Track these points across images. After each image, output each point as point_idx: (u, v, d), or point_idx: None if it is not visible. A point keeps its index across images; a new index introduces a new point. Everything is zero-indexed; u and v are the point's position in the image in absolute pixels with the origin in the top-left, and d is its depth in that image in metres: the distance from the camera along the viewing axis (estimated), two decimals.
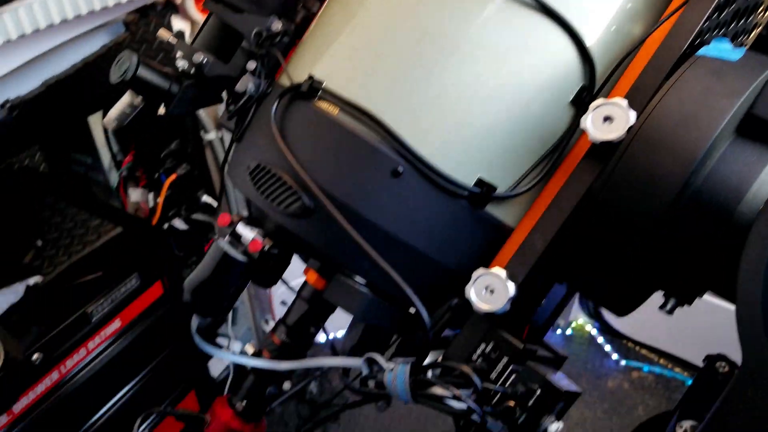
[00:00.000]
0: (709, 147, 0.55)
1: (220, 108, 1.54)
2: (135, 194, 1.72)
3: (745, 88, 0.55)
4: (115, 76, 0.70)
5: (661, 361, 2.29)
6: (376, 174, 0.64)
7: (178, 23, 1.46)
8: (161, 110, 0.72)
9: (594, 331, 2.41)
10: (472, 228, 0.66)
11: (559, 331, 2.41)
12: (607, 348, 2.35)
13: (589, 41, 0.66)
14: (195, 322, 0.79)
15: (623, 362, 2.29)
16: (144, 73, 0.69)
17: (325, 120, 0.66)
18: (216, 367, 1.95)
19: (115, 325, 1.35)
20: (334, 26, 0.74)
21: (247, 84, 0.74)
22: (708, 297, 0.68)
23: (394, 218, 0.65)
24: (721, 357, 0.89)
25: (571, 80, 0.66)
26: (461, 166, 0.65)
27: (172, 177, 1.66)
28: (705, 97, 0.56)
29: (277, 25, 0.79)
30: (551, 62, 0.66)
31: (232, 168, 0.76)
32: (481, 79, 0.65)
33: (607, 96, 0.65)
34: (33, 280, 1.20)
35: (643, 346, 2.34)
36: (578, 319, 2.43)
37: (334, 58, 0.70)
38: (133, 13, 1.32)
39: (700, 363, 0.87)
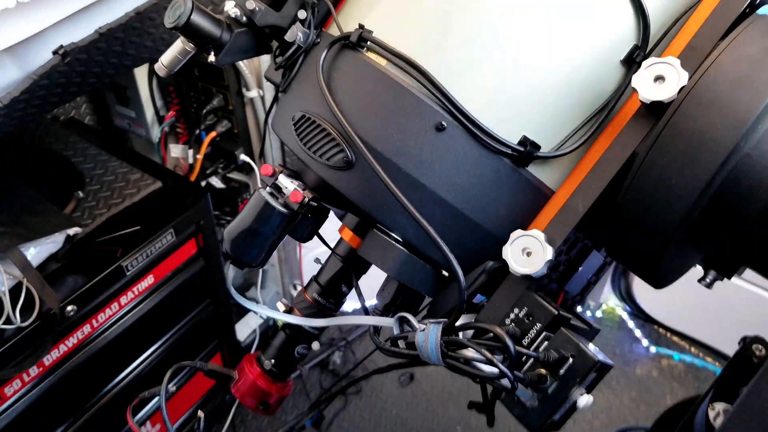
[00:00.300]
0: (761, 111, 0.52)
1: (264, 65, 1.55)
2: (175, 150, 1.74)
3: None
4: (169, 20, 0.70)
5: (693, 349, 2.25)
6: (420, 127, 0.63)
7: None
8: (211, 58, 0.72)
9: (625, 315, 2.37)
10: (513, 188, 0.65)
11: (588, 313, 2.38)
12: (638, 333, 2.31)
13: None
14: (231, 273, 0.80)
15: (653, 349, 2.26)
16: (197, 19, 0.69)
17: (371, 70, 0.66)
18: (242, 332, 1.98)
19: (149, 280, 1.38)
20: None
21: (296, 34, 0.73)
22: (745, 284, 0.66)
23: (436, 175, 0.64)
24: (758, 339, 0.86)
25: (624, 38, 0.64)
26: (506, 124, 0.64)
27: (212, 134, 1.67)
28: (762, 58, 0.53)
29: None
30: (605, 20, 0.64)
31: (276, 119, 0.77)
32: (532, 37, 0.63)
33: (664, 52, 0.63)
34: (72, 231, 1.22)
35: (674, 332, 2.30)
36: (609, 301, 2.40)
37: (386, 10, 0.69)
38: None
39: (733, 353, 0.85)
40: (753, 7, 0.60)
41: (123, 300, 1.34)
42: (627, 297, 2.35)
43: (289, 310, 0.84)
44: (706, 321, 2.17)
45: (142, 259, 1.33)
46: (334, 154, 0.67)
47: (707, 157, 0.53)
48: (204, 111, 1.66)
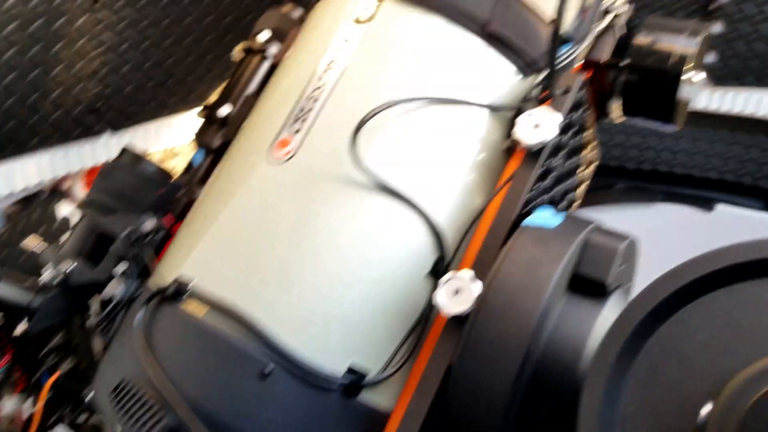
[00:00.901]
0: (540, 315, 0.60)
1: None
2: (9, 404, 1.58)
3: (563, 253, 0.62)
4: None
5: None
6: (244, 378, 0.64)
7: (66, 209, 1.45)
8: (21, 327, 0.70)
9: None
10: (347, 420, 0.66)
11: None
12: None
13: (437, 216, 0.73)
14: None
15: None
16: (1, 290, 0.68)
17: (191, 323, 0.67)
18: None
19: None
20: (200, 221, 0.77)
21: (115, 289, 0.74)
22: None
23: (266, 423, 0.64)
24: None
25: (425, 254, 0.72)
26: (331, 355, 0.66)
27: (55, 376, 1.55)
28: (531, 266, 0.62)
29: (150, 224, 0.81)
30: (405, 240, 0.71)
31: (95, 390, 0.74)
32: (343, 267, 0.69)
33: (461, 262, 0.71)
34: None
35: None
36: None
37: (201, 256, 0.72)
38: (15, 205, 1.30)
39: None
40: (524, 215, 0.71)
41: None
42: None
43: None
44: None
45: None
46: (154, 425, 0.64)
47: (507, 361, 0.59)
48: (43, 352, 1.55)
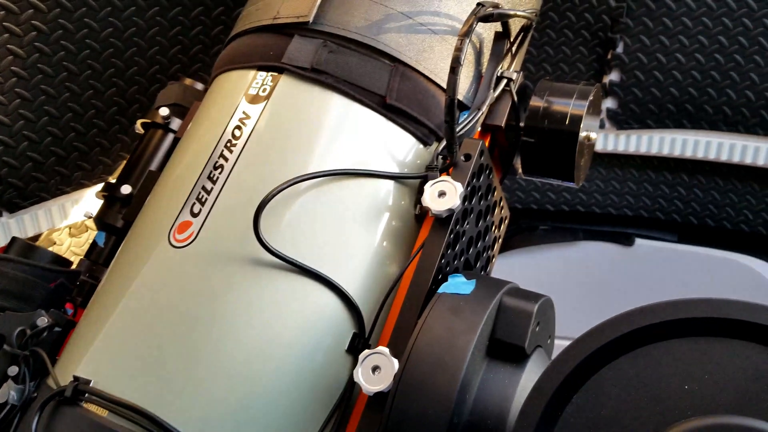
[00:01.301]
0: (460, 387, 0.58)
1: None
2: None
3: (478, 322, 0.62)
4: None
5: None
6: None
7: None
8: None
9: None
10: None
11: None
12: None
13: (351, 290, 0.71)
14: None
15: None
16: None
17: (93, 425, 0.62)
18: None
19: None
20: (99, 311, 0.72)
21: (8, 392, 0.68)
22: None
23: None
24: None
25: (342, 331, 0.69)
26: None
27: None
28: (447, 337, 0.61)
29: (43, 320, 0.75)
30: (320, 319, 0.68)
31: None
32: (255, 355, 0.65)
33: (380, 336, 0.69)
34: None
35: None
36: None
37: (100, 350, 0.67)
38: None
39: None
40: (439, 282, 0.70)
41: None
42: None
43: None
44: None
45: None
46: None
47: None
48: None
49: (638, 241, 1.88)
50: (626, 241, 1.89)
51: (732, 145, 1.63)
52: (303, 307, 0.69)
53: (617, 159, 1.72)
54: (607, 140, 1.62)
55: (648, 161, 1.73)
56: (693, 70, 1.56)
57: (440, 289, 0.67)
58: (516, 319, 0.65)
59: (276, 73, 0.76)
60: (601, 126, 1.59)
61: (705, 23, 1.50)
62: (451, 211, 0.69)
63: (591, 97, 0.78)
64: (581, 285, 1.92)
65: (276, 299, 0.68)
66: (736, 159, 1.64)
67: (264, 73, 0.76)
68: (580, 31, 1.58)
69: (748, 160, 1.63)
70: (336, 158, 0.72)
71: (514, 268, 1.88)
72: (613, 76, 1.57)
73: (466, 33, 0.67)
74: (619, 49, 1.56)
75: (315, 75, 0.73)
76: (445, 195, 0.69)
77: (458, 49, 0.67)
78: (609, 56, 1.57)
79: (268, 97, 0.74)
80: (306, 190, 0.70)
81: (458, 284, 0.67)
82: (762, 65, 1.49)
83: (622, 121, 1.60)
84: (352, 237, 0.72)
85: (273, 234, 0.68)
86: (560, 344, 0.59)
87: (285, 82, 0.75)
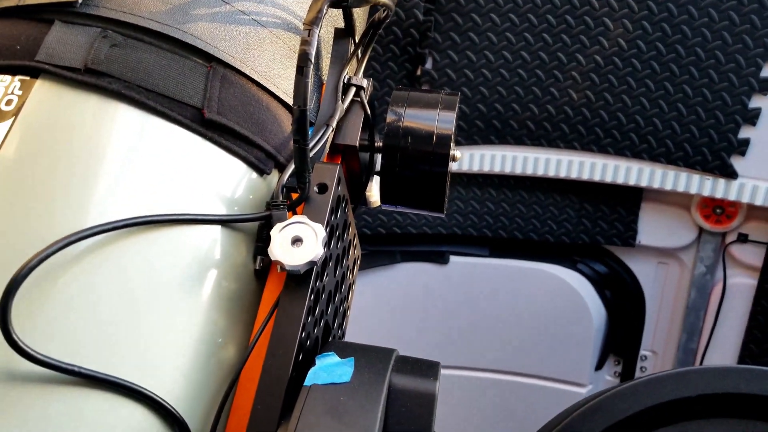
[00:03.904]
0: None
1: None
2: None
3: (372, 425, 0.44)
4: None
5: None
6: None
7: None
8: None
9: None
10: None
11: None
12: None
13: (168, 394, 0.48)
14: None
15: None
16: None
17: None
18: None
19: None
20: None
21: None
22: None
23: None
24: None
25: None
26: None
27: None
28: None
29: None
30: None
31: None
32: None
33: None
34: None
35: None
36: None
37: None
38: None
39: None
40: (299, 369, 0.50)
41: None
42: None
43: None
44: None
45: None
46: None
47: None
48: None
49: (453, 258, 1.90)
50: (441, 259, 1.93)
51: (536, 159, 1.67)
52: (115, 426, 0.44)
53: None
54: None
55: (458, 178, 1.72)
56: (499, 86, 1.56)
57: (308, 380, 0.47)
58: (415, 406, 0.48)
59: (27, 77, 0.50)
60: None
61: (509, 38, 1.50)
62: (312, 263, 0.49)
63: (456, 109, 0.65)
64: (402, 308, 1.90)
65: (51, 428, 0.43)
66: (540, 172, 1.69)
67: (8, 78, 0.50)
68: (389, 46, 1.49)
69: (551, 173, 1.69)
70: (130, 200, 0.48)
71: None
72: None
73: (315, 20, 0.49)
74: (428, 65, 1.50)
75: (91, 78, 0.49)
76: (301, 242, 0.49)
77: (306, 42, 0.48)
78: (419, 72, 1.51)
79: (16, 113, 0.48)
80: (85, 253, 0.45)
81: (331, 368, 0.48)
82: (561, 80, 1.54)
83: None
84: (166, 315, 0.49)
85: (36, 328, 0.43)
86: None
87: (42, 89, 0.49)
